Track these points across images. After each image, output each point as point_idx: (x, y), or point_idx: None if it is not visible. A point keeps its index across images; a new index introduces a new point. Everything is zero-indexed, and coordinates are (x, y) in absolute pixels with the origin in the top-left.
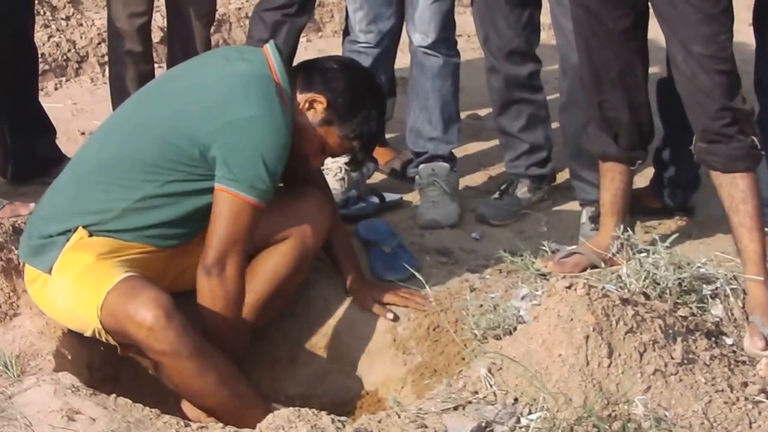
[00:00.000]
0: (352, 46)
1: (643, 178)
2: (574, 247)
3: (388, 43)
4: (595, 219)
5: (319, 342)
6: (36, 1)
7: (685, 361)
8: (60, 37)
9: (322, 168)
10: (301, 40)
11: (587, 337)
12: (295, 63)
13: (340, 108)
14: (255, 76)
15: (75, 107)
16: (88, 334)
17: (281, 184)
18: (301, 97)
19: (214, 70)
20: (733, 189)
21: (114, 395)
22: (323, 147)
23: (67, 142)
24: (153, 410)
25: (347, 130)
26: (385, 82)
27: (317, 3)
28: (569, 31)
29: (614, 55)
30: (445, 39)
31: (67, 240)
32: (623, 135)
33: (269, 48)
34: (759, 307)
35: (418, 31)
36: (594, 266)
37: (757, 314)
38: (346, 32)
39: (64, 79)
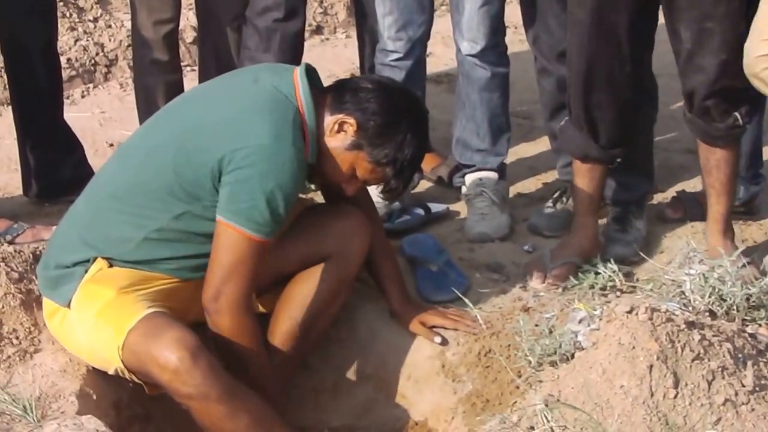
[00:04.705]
0: (383, 58)
1: None
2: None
3: (419, 52)
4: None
5: (363, 370)
6: (61, 2)
7: (757, 388)
8: (87, 41)
9: None
10: (342, 38)
11: (651, 367)
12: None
13: (372, 131)
14: (275, 103)
15: (103, 116)
16: (111, 372)
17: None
18: (330, 119)
19: (237, 92)
20: (710, 154)
21: None
22: (354, 173)
23: (94, 156)
24: None
25: (379, 155)
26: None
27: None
28: None
29: (611, 52)
30: (495, 46)
31: (86, 271)
32: (603, 134)
33: (298, 72)
34: None
35: (466, 39)
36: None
37: None
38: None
39: (91, 85)
